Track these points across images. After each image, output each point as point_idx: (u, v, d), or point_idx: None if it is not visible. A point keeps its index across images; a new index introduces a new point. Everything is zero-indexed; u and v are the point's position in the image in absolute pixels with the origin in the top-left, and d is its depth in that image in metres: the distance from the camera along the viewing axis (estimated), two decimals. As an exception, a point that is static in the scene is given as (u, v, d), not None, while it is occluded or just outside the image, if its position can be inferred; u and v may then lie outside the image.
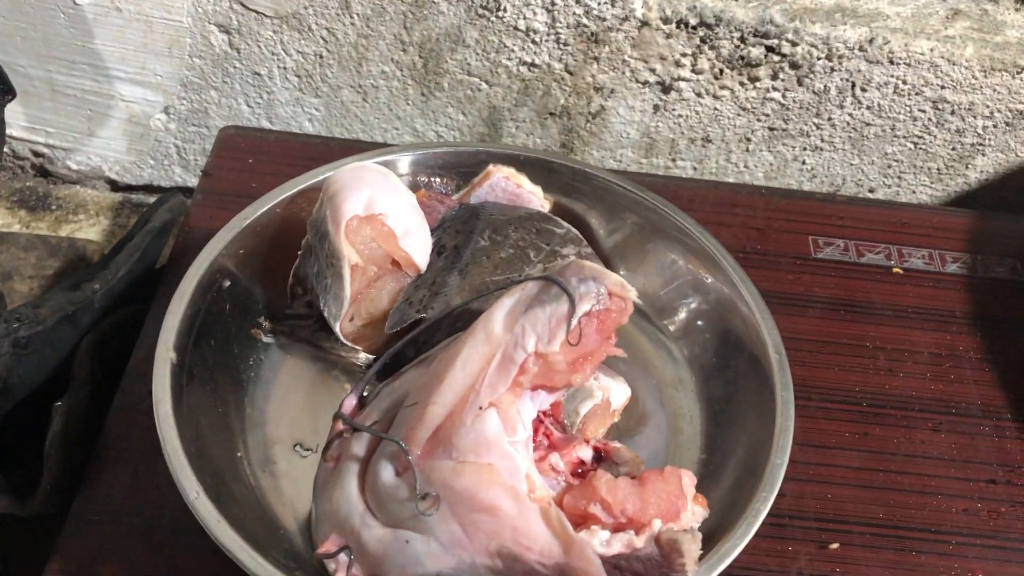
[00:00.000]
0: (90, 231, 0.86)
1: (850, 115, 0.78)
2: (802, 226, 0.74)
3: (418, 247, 0.52)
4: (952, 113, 0.77)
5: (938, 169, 0.82)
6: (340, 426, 0.47)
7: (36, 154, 0.87)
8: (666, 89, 0.77)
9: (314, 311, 0.54)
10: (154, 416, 0.46)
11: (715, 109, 0.78)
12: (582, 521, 0.41)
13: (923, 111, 0.77)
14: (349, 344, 0.53)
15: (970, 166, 0.81)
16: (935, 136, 0.79)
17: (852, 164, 0.82)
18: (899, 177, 0.83)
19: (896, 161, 0.81)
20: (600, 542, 0.40)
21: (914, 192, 0.84)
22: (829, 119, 0.78)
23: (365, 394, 0.49)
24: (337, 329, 0.52)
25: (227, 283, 0.53)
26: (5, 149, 0.83)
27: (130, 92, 0.81)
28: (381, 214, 0.51)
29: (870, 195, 0.84)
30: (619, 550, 0.40)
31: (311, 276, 0.53)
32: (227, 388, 0.52)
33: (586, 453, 0.47)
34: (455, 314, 0.51)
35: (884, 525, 0.58)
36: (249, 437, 0.51)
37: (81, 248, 0.81)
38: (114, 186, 0.89)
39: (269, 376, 0.54)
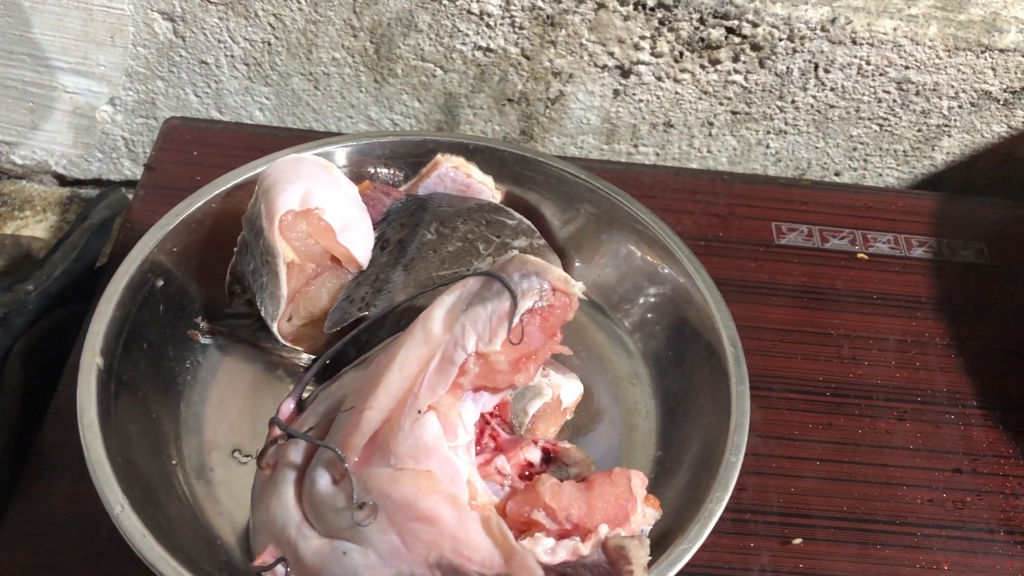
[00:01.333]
0: (37, 228, 0.83)
1: (814, 97, 0.76)
2: (765, 212, 0.73)
3: (358, 242, 0.50)
4: (917, 94, 0.75)
5: (904, 151, 0.80)
6: (276, 432, 0.45)
7: (-22, 149, 0.84)
8: (625, 73, 0.75)
9: (254, 310, 0.52)
10: (79, 429, 0.44)
11: (676, 93, 0.76)
12: (526, 528, 0.40)
13: (887, 92, 0.75)
14: (289, 345, 0.51)
15: (936, 148, 0.80)
16: (900, 118, 0.77)
17: (817, 147, 0.80)
18: (865, 160, 0.81)
19: (861, 143, 0.80)
20: (544, 550, 0.39)
21: (880, 175, 0.82)
22: (792, 102, 0.77)
23: (304, 397, 0.47)
24: (275, 329, 0.50)
25: (160, 282, 0.51)
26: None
27: (73, 83, 0.79)
28: (318, 208, 0.49)
29: (836, 179, 0.83)
30: (564, 558, 0.39)
31: (247, 274, 0.51)
32: (161, 393, 0.50)
33: (534, 455, 0.45)
34: (399, 311, 0.49)
35: (848, 518, 0.57)
36: (184, 444, 0.49)
37: (26, 246, 0.78)
38: (62, 181, 0.86)
39: (207, 379, 0.52)
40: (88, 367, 0.45)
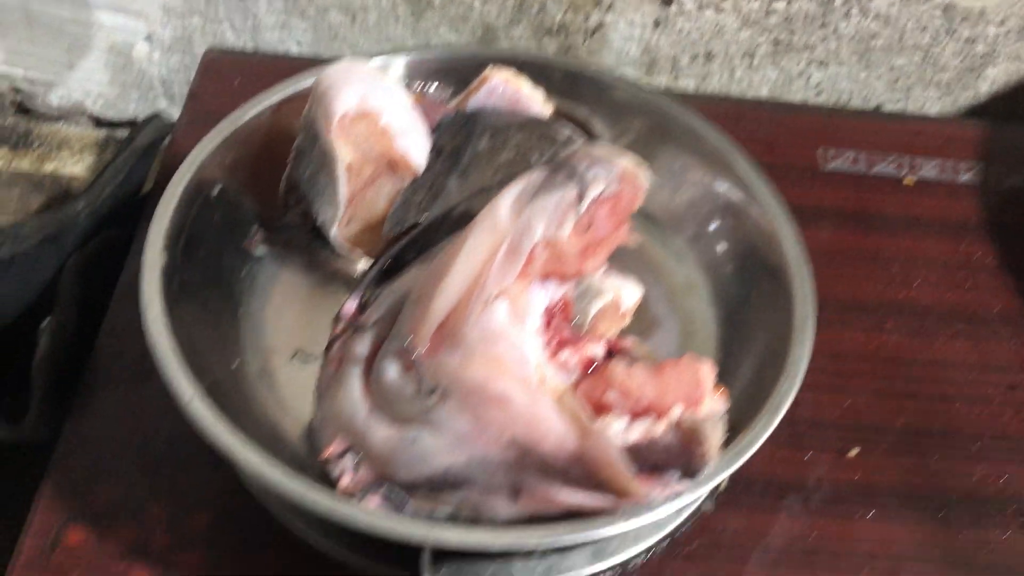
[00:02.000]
0: (74, 168, 0.83)
1: (856, 26, 0.75)
2: (810, 139, 0.72)
3: (415, 147, 0.50)
4: (963, 21, 0.74)
5: (947, 82, 0.79)
6: (341, 327, 0.44)
7: (15, 90, 0.84)
8: (667, 1, 0.74)
9: (308, 220, 0.52)
10: (143, 324, 0.44)
11: (718, 23, 0.76)
12: (598, 411, 0.39)
13: (932, 19, 0.74)
14: (346, 250, 0.51)
15: (981, 77, 0.79)
16: (944, 46, 0.76)
17: (858, 79, 0.79)
18: (907, 91, 0.80)
19: (904, 74, 0.79)
20: (617, 431, 0.38)
21: (922, 107, 0.81)
22: (835, 30, 0.76)
23: (365, 298, 0.47)
24: (333, 234, 0.49)
25: (216, 190, 0.51)
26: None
27: (110, 20, 0.78)
28: (375, 111, 0.48)
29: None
30: (637, 439, 0.39)
31: (303, 182, 0.50)
32: (220, 300, 0.50)
33: (598, 351, 0.44)
34: (455, 216, 0.49)
35: (904, 432, 0.56)
36: (246, 348, 0.49)
37: (65, 184, 0.78)
38: (97, 122, 0.86)
39: (264, 287, 0.52)
40: (151, 265, 0.45)
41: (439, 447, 0.40)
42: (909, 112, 0.82)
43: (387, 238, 0.50)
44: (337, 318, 0.45)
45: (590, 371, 0.43)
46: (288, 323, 0.51)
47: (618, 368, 0.40)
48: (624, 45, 0.78)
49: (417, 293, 0.43)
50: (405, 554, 0.47)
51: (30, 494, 0.50)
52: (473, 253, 0.41)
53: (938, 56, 0.77)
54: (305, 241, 0.52)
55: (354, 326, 0.44)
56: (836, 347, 0.59)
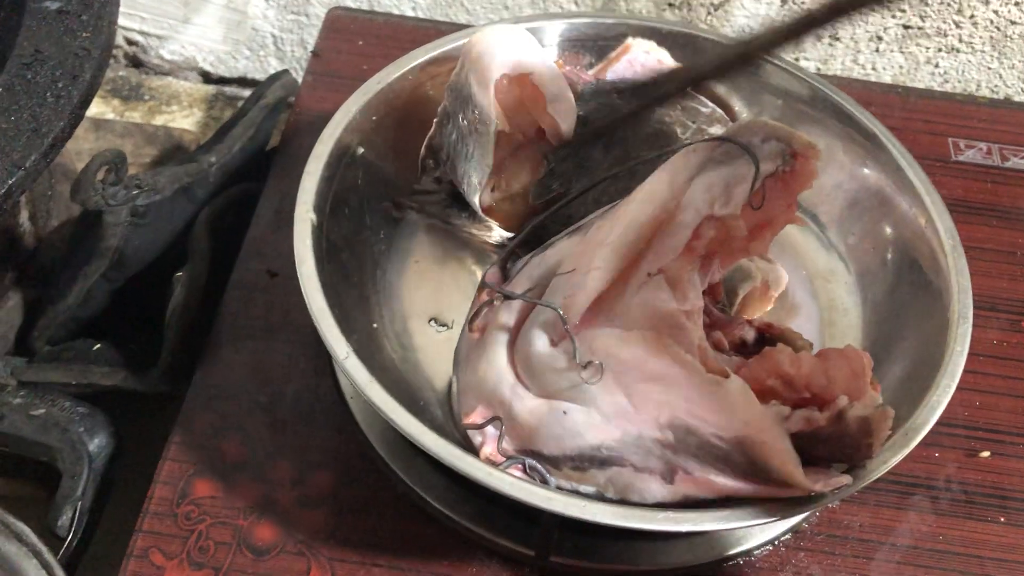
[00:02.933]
0: (184, 122, 0.84)
1: (995, 12, 0.72)
2: (941, 127, 0.69)
3: (564, 114, 0.49)
4: (1109, 11, 0.71)
5: (1084, 75, 0.76)
6: (486, 295, 0.44)
7: (130, 42, 0.84)
8: (797, -22, 0.72)
9: (443, 186, 0.51)
10: (298, 277, 0.43)
11: (847, 3, 0.73)
12: (759, 396, 0.38)
13: (1077, 8, 0.71)
14: (484, 218, 0.50)
15: (1121, 72, 0.75)
16: (1086, 37, 0.73)
17: (990, 68, 0.76)
18: (1040, 83, 0.77)
19: (1039, 66, 0.76)
20: (780, 417, 0.37)
21: (1055, 100, 0.78)
22: (971, 16, 0.73)
23: (510, 267, 0.46)
24: (476, 200, 0.48)
25: (361, 150, 0.50)
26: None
27: (229, -25, 0.78)
28: (529, 76, 0.47)
29: (1007, 102, 0.79)
30: (800, 427, 0.37)
31: (448, 146, 0.50)
32: (362, 259, 0.49)
33: (749, 333, 0.43)
34: (599, 189, 0.48)
35: (1039, 435, 0.54)
36: (384, 310, 0.49)
37: (177, 137, 0.79)
38: (207, 78, 0.87)
39: (400, 251, 0.51)
40: (303, 222, 0.45)
41: (591, 422, 0.39)
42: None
43: (524, 210, 0.49)
44: (482, 285, 0.44)
45: (747, 357, 0.41)
46: (424, 289, 0.51)
47: (784, 354, 0.38)
48: (747, 22, 0.75)
49: (571, 265, 0.42)
50: (532, 530, 0.47)
51: (157, 445, 0.50)
52: (633, 227, 0.40)
53: (1078, 48, 0.74)
54: (440, 206, 0.52)
55: (501, 294, 0.43)
56: (969, 345, 0.57)
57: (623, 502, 0.40)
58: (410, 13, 0.79)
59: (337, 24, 0.70)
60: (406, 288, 0.50)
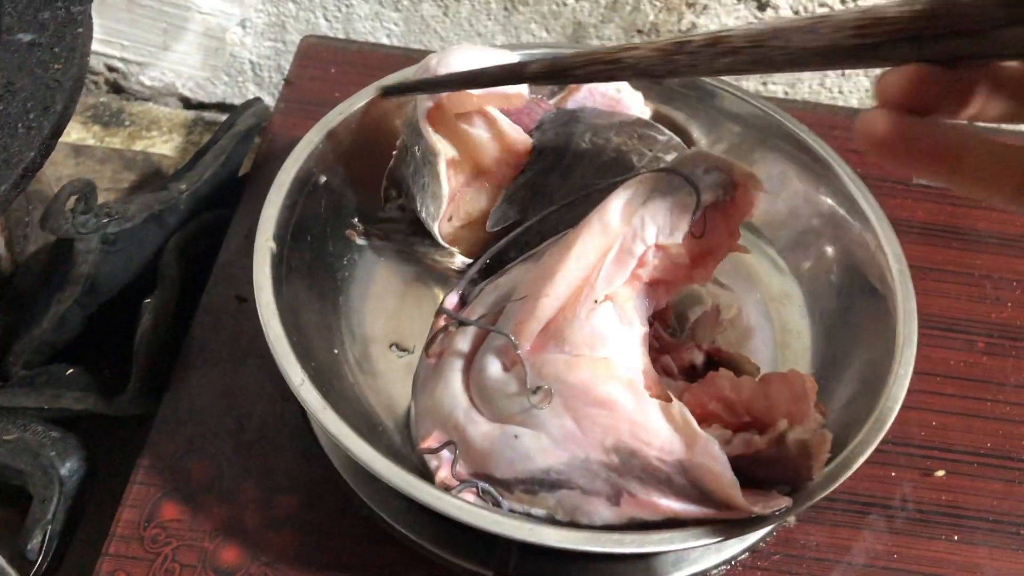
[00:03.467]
0: (164, 147, 0.85)
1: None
2: (903, 151, 0.71)
3: (519, 145, 0.50)
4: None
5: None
6: (443, 321, 0.45)
7: (110, 68, 0.86)
8: (762, 6, 0.73)
9: (407, 214, 0.52)
10: (256, 304, 0.44)
11: (812, 29, 0.75)
12: (701, 420, 0.39)
13: (1035, 33, 0.73)
14: (445, 246, 0.51)
15: (1081, 95, 0.77)
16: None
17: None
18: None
19: None
20: (721, 441, 0.38)
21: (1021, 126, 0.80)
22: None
23: (466, 294, 0.47)
24: (435, 230, 0.50)
25: (323, 178, 0.51)
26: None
27: (207, 4, 0.80)
28: (478, 98, 0.48)
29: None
30: (741, 451, 0.38)
31: (407, 177, 0.51)
32: (323, 285, 0.51)
33: (698, 357, 0.44)
34: (557, 215, 0.49)
35: (993, 455, 0.56)
36: (345, 335, 0.50)
37: (157, 162, 0.80)
38: (187, 103, 0.88)
39: (363, 277, 0.53)
40: (263, 250, 0.46)
41: (541, 446, 0.40)
42: (1004, 130, 0.80)
43: (485, 237, 0.50)
44: (439, 312, 0.45)
45: (695, 381, 0.43)
46: (386, 315, 0.52)
47: (725, 379, 0.39)
48: (715, 48, 0.77)
49: (523, 291, 0.43)
50: (491, 551, 0.48)
51: (128, 467, 0.51)
52: (583, 255, 0.41)
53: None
54: (404, 234, 0.53)
55: (456, 320, 0.44)
56: (924, 365, 0.58)
57: (572, 524, 0.41)
58: (385, 41, 0.81)
59: (310, 52, 0.72)
60: (368, 313, 0.51)
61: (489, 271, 0.48)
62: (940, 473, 0.55)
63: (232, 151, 0.62)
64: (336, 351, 0.49)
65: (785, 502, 0.39)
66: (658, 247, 0.41)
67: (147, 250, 0.57)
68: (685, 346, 0.45)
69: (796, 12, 0.73)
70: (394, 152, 0.52)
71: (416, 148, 0.50)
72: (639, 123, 0.55)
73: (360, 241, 0.53)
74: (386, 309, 0.52)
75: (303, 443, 0.52)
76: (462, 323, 0.44)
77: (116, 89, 0.88)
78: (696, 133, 0.58)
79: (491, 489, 0.42)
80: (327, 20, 0.80)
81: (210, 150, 0.61)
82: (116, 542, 0.49)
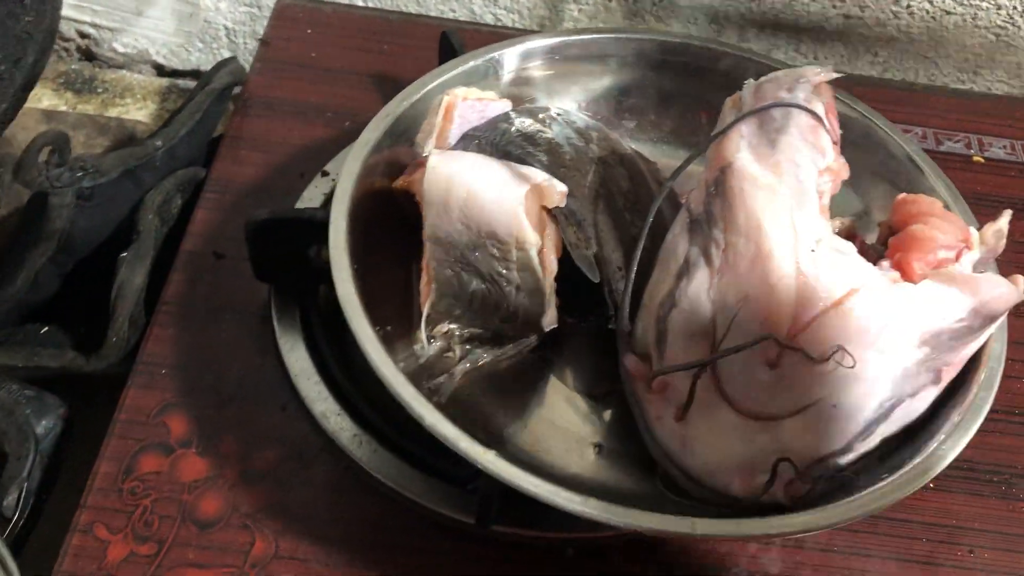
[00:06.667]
0: (138, 114, 0.84)
1: (931, 2, 0.74)
2: (879, 113, 0.71)
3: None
4: (1038, 1, 0.73)
5: (1018, 63, 0.78)
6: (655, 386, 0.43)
7: (82, 35, 0.85)
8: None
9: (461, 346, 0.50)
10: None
11: (789, -7, 0.75)
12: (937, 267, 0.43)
13: (1009, -1, 0.74)
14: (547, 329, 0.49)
15: (1052, 60, 0.78)
16: (1020, 27, 0.75)
17: (927, 57, 0.79)
18: (975, 72, 0.80)
19: (974, 55, 0.78)
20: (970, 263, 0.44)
21: (989, 88, 0.81)
22: (908, 6, 0.75)
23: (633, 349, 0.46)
24: (546, 323, 0.48)
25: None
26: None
27: (181, -33, 0.79)
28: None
29: (944, 90, 0.81)
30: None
31: (473, 294, 0.48)
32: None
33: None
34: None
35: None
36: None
37: (131, 128, 0.79)
38: (160, 71, 0.87)
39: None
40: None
41: (862, 395, 0.41)
42: (976, 92, 0.81)
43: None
44: (640, 378, 0.44)
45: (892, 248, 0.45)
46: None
47: (923, 229, 0.43)
48: (692, 12, 0.77)
49: (737, 296, 0.42)
50: (470, 498, 0.47)
51: (105, 426, 0.51)
52: (773, 225, 0.41)
53: (1012, 37, 0.76)
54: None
55: (700, 366, 0.42)
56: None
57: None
58: (360, 3, 0.80)
59: (287, 13, 0.71)
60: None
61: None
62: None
63: (208, 109, 0.61)
64: None
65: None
66: (827, 171, 0.42)
67: (123, 207, 0.57)
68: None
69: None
70: (433, 284, 0.48)
71: (483, 257, 0.47)
72: (621, 157, 0.55)
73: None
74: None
75: (282, 398, 0.52)
76: (702, 365, 0.41)
77: (88, 56, 0.86)
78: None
79: (831, 465, 0.42)
80: (303, -16, 0.79)
81: (184, 108, 0.60)
82: (94, 494, 0.48)
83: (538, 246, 0.45)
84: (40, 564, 0.47)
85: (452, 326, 0.50)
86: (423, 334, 0.49)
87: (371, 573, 0.47)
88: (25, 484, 0.50)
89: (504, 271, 0.46)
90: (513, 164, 0.48)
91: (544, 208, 0.46)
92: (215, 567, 0.46)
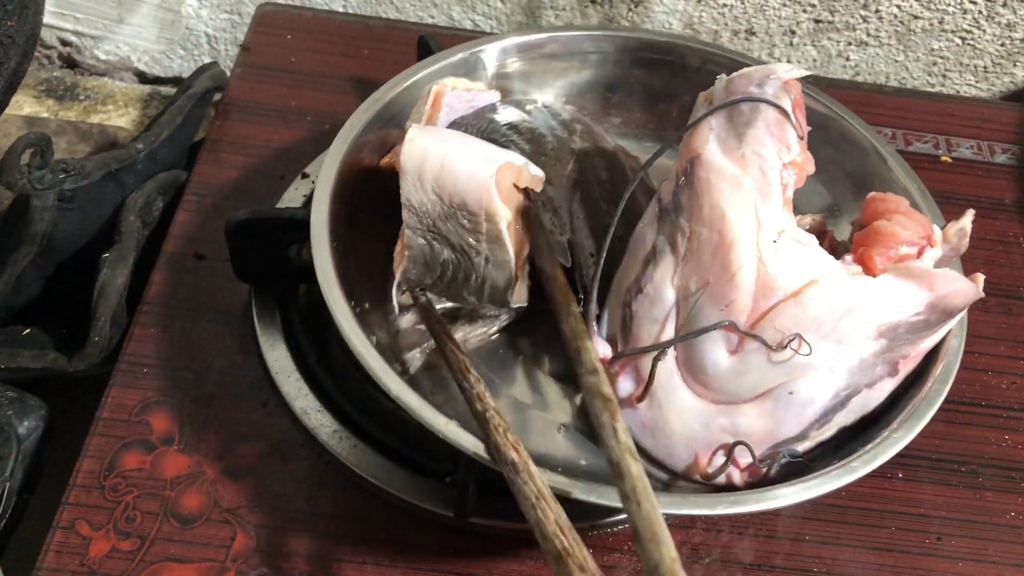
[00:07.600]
0: (119, 121, 0.84)
1: (898, 7, 0.76)
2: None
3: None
4: (1004, 5, 0.75)
5: (984, 67, 0.80)
6: (615, 365, 0.45)
7: (64, 43, 0.85)
8: (711, -24, 0.75)
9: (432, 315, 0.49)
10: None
11: (760, -1, 0.77)
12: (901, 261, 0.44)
13: (974, 3, 0.75)
14: (515, 306, 0.50)
15: (1018, 64, 0.80)
16: (984, 31, 0.77)
17: (896, 60, 0.80)
18: (944, 75, 0.81)
19: (942, 58, 0.80)
20: (932, 259, 0.44)
21: (958, 91, 0.82)
22: (876, 11, 0.77)
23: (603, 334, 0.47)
24: (511, 299, 0.49)
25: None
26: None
27: (162, -25, 0.80)
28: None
29: (914, 93, 0.83)
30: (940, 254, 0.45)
31: (445, 263, 0.48)
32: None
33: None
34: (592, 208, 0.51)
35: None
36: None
37: (112, 134, 0.80)
38: (142, 78, 0.88)
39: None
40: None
41: (817, 382, 0.42)
42: (945, 94, 0.83)
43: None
44: (611, 361, 0.45)
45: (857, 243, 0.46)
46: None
47: (888, 224, 0.44)
48: (666, 18, 0.79)
49: (697, 284, 0.43)
50: (450, 492, 0.48)
51: (87, 427, 0.51)
52: (738, 216, 0.42)
53: (977, 40, 0.78)
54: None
55: (653, 350, 0.43)
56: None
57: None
58: (340, 9, 0.81)
59: (267, 19, 0.72)
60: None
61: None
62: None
63: (189, 113, 0.62)
64: None
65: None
66: (791, 164, 0.43)
67: (104, 209, 0.57)
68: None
69: (745, -19, 0.75)
70: (406, 252, 0.49)
71: (460, 228, 0.47)
72: (598, 151, 0.57)
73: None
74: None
75: (263, 395, 0.53)
76: (662, 348, 0.43)
77: (70, 64, 0.87)
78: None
79: (788, 451, 0.43)
80: (283, -9, 0.80)
81: (166, 112, 0.61)
82: (76, 491, 0.49)
83: (508, 220, 0.46)
84: (23, 563, 0.48)
85: (424, 299, 0.51)
86: (394, 297, 0.50)
87: (352, 566, 0.48)
88: (7, 484, 0.50)
89: (474, 242, 0.47)
90: (493, 145, 0.49)
91: (520, 190, 0.47)
92: (197, 562, 0.47)
